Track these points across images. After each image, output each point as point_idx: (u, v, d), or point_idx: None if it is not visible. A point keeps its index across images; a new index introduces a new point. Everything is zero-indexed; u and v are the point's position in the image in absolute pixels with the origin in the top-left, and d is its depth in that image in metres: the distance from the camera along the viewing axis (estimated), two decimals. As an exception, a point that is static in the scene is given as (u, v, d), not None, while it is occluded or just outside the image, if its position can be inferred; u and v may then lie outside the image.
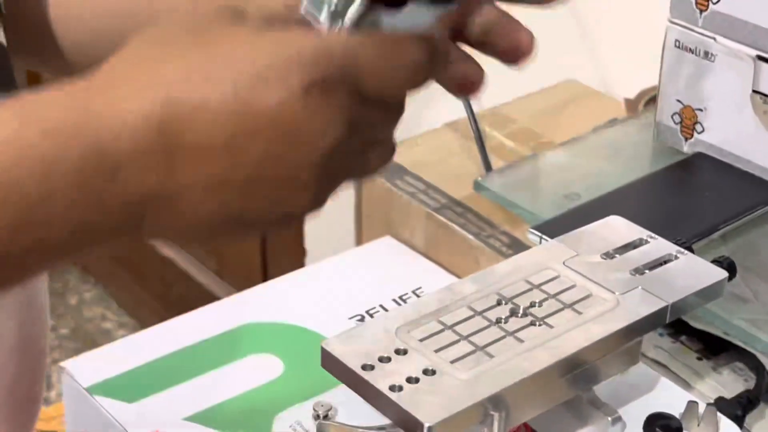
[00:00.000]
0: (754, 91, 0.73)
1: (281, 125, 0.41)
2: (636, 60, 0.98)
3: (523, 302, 0.55)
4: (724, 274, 0.57)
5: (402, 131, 1.06)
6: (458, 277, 0.79)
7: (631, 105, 0.91)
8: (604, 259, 0.58)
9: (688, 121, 0.78)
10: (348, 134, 0.42)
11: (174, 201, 0.41)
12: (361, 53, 0.42)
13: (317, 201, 0.44)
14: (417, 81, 0.44)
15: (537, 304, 0.55)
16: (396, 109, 0.45)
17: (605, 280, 0.56)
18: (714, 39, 0.74)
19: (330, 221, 1.40)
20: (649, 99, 0.90)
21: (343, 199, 1.00)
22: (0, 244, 0.39)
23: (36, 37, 0.63)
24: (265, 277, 1.68)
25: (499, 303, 0.55)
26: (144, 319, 1.92)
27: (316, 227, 1.42)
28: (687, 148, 0.78)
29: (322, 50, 0.42)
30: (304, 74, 0.41)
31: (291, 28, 0.42)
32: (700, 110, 0.77)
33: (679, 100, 0.78)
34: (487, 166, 0.83)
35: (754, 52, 0.72)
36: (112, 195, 0.40)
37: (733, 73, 0.74)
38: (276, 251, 1.66)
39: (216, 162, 0.41)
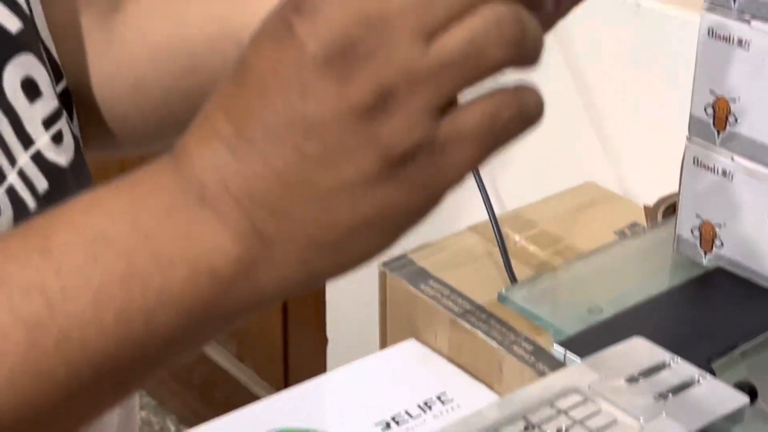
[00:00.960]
0: (771, 211, 0.75)
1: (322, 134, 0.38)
2: (655, 165, 1.00)
3: (550, 428, 0.57)
4: (746, 399, 0.59)
5: (424, 235, 1.08)
6: (483, 382, 0.81)
7: (651, 212, 0.93)
8: (629, 383, 0.60)
9: (708, 235, 0.80)
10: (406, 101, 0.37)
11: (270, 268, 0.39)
12: None
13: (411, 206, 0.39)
14: None
15: (564, 431, 0.57)
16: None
17: (630, 405, 0.58)
18: (732, 159, 0.77)
19: (354, 320, 1.42)
20: (668, 206, 0.92)
21: (367, 299, 1.02)
22: (134, 347, 0.39)
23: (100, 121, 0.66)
24: (286, 362, 1.69)
25: (526, 429, 0.57)
26: (164, 400, 1.93)
27: (340, 323, 1.44)
28: (707, 262, 0.80)
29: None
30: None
31: None
32: (720, 226, 0.79)
33: (698, 215, 0.80)
34: (510, 274, 0.85)
35: (772, 173, 0.75)
36: (223, 306, 0.39)
37: (752, 191, 0.76)
38: (297, 339, 1.67)
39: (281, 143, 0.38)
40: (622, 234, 0.96)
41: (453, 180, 0.38)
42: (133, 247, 0.39)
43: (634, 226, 0.98)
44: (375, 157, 0.37)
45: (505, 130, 0.38)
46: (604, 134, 1.08)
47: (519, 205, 1.02)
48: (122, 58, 0.65)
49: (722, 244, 0.79)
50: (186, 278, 0.39)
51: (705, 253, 0.80)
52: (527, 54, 0.38)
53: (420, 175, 0.38)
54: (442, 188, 0.39)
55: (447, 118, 0.38)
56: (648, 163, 1.04)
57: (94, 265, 0.38)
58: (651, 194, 0.96)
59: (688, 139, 0.79)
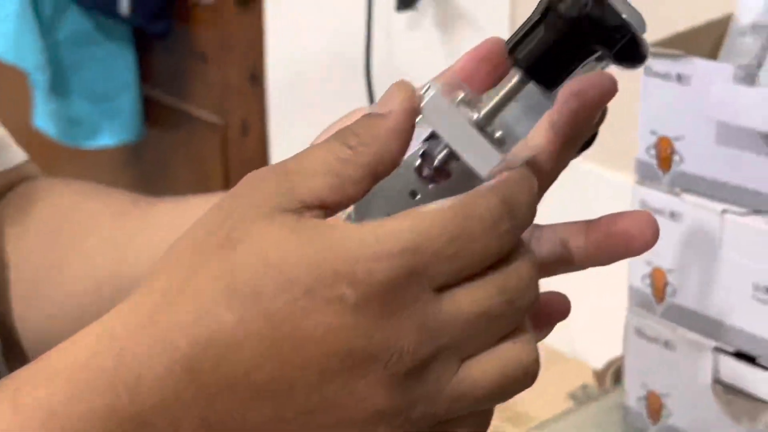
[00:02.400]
0: (714, 381, 0.75)
1: (335, 351, 0.35)
2: (603, 326, 1.00)
3: None
4: None
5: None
6: None
7: (600, 376, 0.93)
8: None
9: (654, 405, 0.79)
10: (427, 344, 0.36)
11: None
12: (436, 233, 0.36)
13: None
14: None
15: None
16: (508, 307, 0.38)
17: None
18: (673, 330, 0.77)
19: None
20: (616, 369, 0.91)
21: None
22: None
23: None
24: None
25: None
26: None
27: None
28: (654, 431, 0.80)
29: (380, 248, 0.35)
30: (357, 283, 0.34)
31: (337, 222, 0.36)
32: (665, 396, 0.78)
33: (643, 384, 0.80)
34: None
35: (713, 343, 0.75)
36: None
37: (693, 362, 0.76)
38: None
39: (260, 405, 0.35)
40: (573, 397, 0.96)
41: None
42: None
43: (585, 388, 0.97)
44: None
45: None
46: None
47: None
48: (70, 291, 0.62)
49: (669, 413, 0.78)
50: None
51: (652, 423, 0.80)
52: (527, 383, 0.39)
53: None
54: None
55: None
56: (597, 325, 1.04)
57: None
58: (601, 355, 0.96)
59: (628, 310, 0.79)
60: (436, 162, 0.40)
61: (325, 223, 0.36)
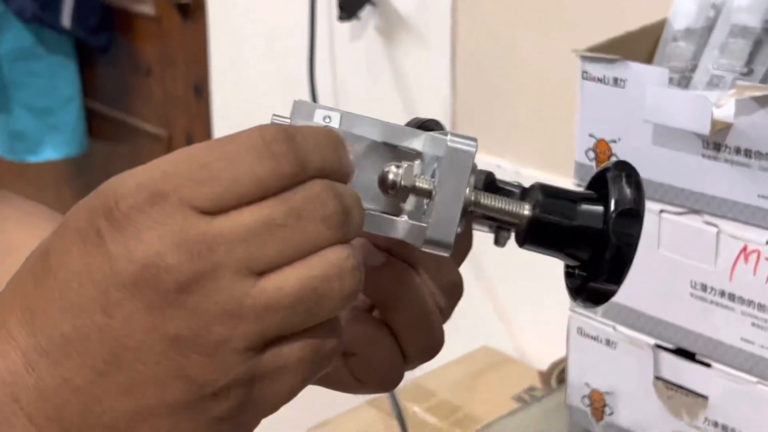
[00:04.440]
0: (656, 377, 0.76)
1: (96, 282, 0.35)
2: (547, 328, 1.01)
3: None
4: None
5: (319, 413, 1.07)
6: None
7: (545, 377, 0.94)
8: None
9: (598, 404, 0.81)
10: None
11: None
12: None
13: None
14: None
15: None
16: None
17: None
18: (614, 328, 0.78)
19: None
20: (561, 370, 0.93)
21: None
22: None
23: None
24: None
25: None
26: None
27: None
28: (599, 430, 0.81)
29: (130, 180, 0.36)
30: (107, 214, 0.35)
31: None
32: (608, 394, 0.80)
33: (587, 383, 0.81)
34: (408, 453, 0.85)
35: (653, 341, 0.76)
36: None
37: (635, 359, 0.77)
38: None
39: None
40: (519, 399, 0.97)
41: (267, 411, 0.37)
42: None
43: (531, 390, 0.98)
44: (183, 390, 0.35)
45: (327, 359, 0.37)
46: (498, 301, 1.10)
47: (417, 373, 1.02)
48: None
49: (612, 411, 0.80)
50: None
51: (597, 421, 0.81)
52: (349, 298, 0.37)
53: (231, 409, 0.36)
54: (255, 420, 0.37)
55: (268, 353, 0.36)
56: (541, 327, 1.05)
57: None
58: (546, 356, 0.97)
59: (571, 309, 0.81)
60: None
61: None
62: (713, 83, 0.80)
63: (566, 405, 0.83)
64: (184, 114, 1.65)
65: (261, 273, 0.36)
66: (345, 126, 0.41)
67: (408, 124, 0.52)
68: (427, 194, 0.40)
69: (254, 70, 1.45)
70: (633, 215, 0.40)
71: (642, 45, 0.82)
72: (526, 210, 0.41)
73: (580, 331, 0.80)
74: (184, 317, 0.35)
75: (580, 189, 0.43)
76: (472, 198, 0.40)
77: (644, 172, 0.75)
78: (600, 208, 0.40)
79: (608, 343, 0.79)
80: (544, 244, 0.41)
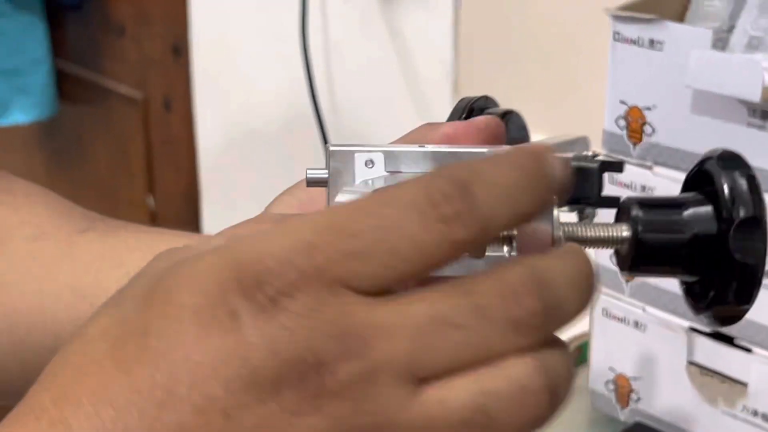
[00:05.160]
0: (689, 362, 0.71)
1: (235, 377, 0.28)
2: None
3: None
4: None
5: None
6: None
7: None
8: None
9: (623, 389, 0.76)
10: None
11: None
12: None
13: None
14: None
15: None
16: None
17: None
18: (643, 309, 0.73)
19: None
20: (581, 346, 0.88)
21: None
22: None
23: None
24: None
25: None
26: None
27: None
28: (624, 417, 0.76)
29: (273, 249, 0.29)
30: (248, 294, 0.29)
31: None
32: (635, 379, 0.75)
33: (611, 368, 0.76)
34: None
35: (686, 323, 0.71)
36: None
37: (666, 343, 0.72)
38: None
39: None
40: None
41: None
42: None
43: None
44: None
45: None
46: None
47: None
48: None
49: (639, 398, 0.75)
50: None
51: (622, 408, 0.76)
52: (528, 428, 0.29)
53: None
54: None
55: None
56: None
57: None
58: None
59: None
60: None
61: None
62: (752, 45, 0.74)
63: (587, 389, 0.78)
64: (161, 76, 1.58)
65: (423, 379, 0.29)
66: (391, 166, 0.36)
67: (456, 109, 0.46)
68: (509, 242, 0.34)
69: (239, 28, 1.38)
70: (755, 223, 0.34)
71: (672, 4, 0.76)
72: (624, 232, 0.35)
73: (606, 312, 0.75)
74: (325, 427, 0.28)
75: (680, 195, 0.37)
76: (561, 235, 0.34)
77: (682, 143, 0.69)
78: (710, 211, 0.35)
79: (637, 325, 0.74)
80: (653, 267, 0.35)
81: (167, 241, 0.50)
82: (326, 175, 0.37)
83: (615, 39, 0.70)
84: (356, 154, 0.37)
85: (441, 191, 0.28)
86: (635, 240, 0.35)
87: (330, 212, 0.30)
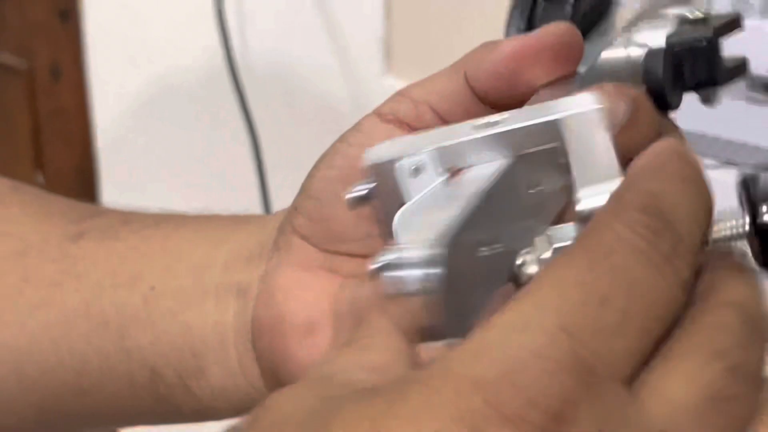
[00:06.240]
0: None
1: None
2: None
3: None
4: None
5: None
6: None
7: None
8: None
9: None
10: None
11: None
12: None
13: None
14: None
15: None
16: None
17: None
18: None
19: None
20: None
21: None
22: None
23: None
24: None
25: None
26: None
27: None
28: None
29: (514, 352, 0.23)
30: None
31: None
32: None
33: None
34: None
35: None
36: None
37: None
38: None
39: None
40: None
41: None
42: None
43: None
44: None
45: None
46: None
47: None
48: None
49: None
50: None
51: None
52: None
53: None
54: None
55: None
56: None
57: None
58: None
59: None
60: None
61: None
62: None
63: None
64: (47, 42, 1.48)
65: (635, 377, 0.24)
66: (446, 164, 0.30)
67: None
68: None
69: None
70: None
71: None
72: (747, 224, 0.30)
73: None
74: None
75: None
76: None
77: (682, 122, 0.64)
78: None
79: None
80: None
81: (189, 239, 0.42)
82: (367, 193, 0.31)
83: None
84: (396, 164, 0.30)
85: (646, 226, 0.24)
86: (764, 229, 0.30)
87: (502, 353, 0.23)
